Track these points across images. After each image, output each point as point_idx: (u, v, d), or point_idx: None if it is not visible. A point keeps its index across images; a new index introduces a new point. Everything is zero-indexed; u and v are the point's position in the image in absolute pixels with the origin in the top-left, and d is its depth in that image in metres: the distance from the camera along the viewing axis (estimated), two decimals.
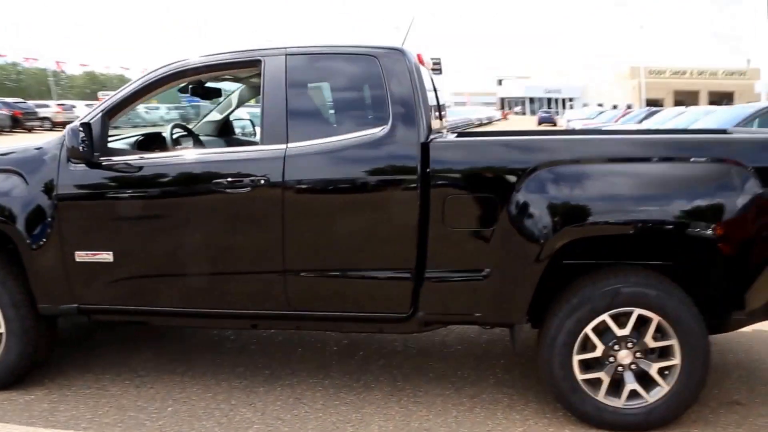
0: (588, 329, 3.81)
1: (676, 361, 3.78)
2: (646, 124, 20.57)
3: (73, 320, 4.76)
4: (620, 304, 3.76)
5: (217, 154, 4.45)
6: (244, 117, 10.04)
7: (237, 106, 5.91)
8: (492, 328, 4.52)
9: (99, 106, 4.31)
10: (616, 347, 3.83)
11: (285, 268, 4.09)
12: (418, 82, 4.11)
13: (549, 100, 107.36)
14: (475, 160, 3.98)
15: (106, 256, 4.22)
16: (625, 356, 3.84)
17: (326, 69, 4.38)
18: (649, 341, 3.80)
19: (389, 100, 4.04)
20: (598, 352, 3.85)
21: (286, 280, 4.11)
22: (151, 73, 4.36)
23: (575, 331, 3.81)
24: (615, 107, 59.36)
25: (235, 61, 4.39)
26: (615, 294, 3.76)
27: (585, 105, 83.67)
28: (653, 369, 3.82)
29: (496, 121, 73.37)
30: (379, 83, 4.10)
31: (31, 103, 44.40)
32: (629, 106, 59.92)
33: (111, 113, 4.30)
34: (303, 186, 4.04)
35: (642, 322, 3.79)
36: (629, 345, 3.83)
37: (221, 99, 5.94)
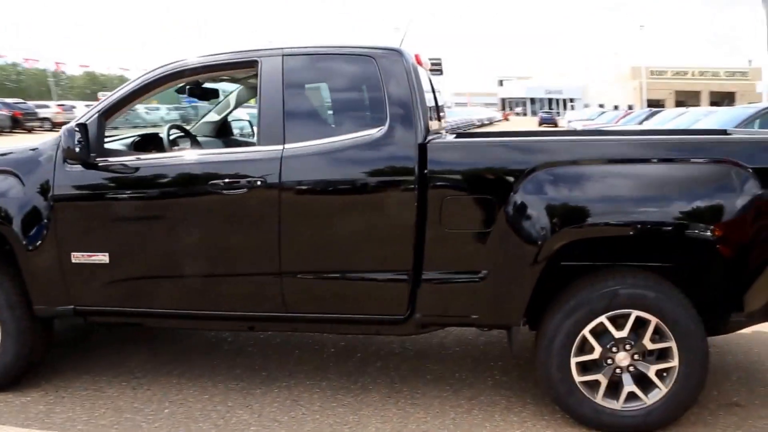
0: (586, 331, 3.79)
1: (674, 363, 3.76)
2: (647, 125, 20.55)
3: (71, 321, 4.74)
4: (618, 305, 3.74)
5: (213, 155, 4.43)
6: (243, 118, 10.04)
7: (235, 107, 5.89)
8: (489, 330, 4.50)
9: (95, 106, 4.30)
10: (614, 349, 3.81)
11: (281, 270, 4.07)
12: (415, 83, 4.09)
13: (550, 100, 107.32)
14: (473, 161, 3.96)
15: (102, 258, 4.20)
16: (623, 358, 3.82)
17: (323, 69, 4.36)
18: (648, 343, 3.78)
19: (387, 101, 4.03)
20: (596, 354, 3.83)
21: (282, 282, 4.09)
22: (147, 73, 4.34)
23: (573, 333, 3.79)
24: (616, 108, 59.44)
25: (232, 62, 4.38)
26: (613, 296, 3.74)
27: (586, 106, 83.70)
28: (651, 371, 3.80)
29: (497, 121, 73.31)
30: (376, 84, 4.08)
31: (31, 103, 44.41)
32: (630, 107, 60.01)
33: (107, 114, 4.28)
34: (300, 187, 4.02)
35: (640, 324, 3.77)
36: (627, 347, 3.80)
37: (220, 100, 5.93)
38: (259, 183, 4.00)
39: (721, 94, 79.22)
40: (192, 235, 4.17)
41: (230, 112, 5.88)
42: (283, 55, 4.18)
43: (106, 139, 4.41)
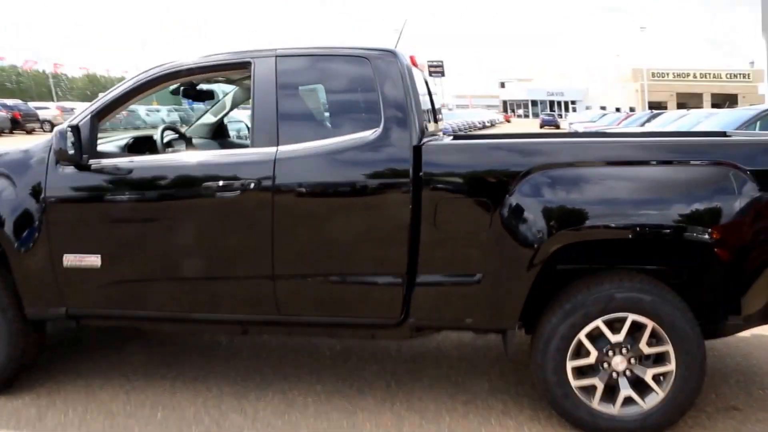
0: (582, 335, 3.75)
1: (671, 367, 3.72)
2: (648, 127, 20.52)
3: (64, 324, 4.71)
4: (614, 309, 3.70)
5: (207, 156, 4.38)
6: (241, 120, 10.01)
7: (231, 109, 5.86)
8: (485, 334, 4.46)
9: (88, 107, 4.26)
10: (611, 353, 3.78)
11: (274, 273, 4.03)
12: (410, 85, 4.05)
13: (551, 102, 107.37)
14: (468, 163, 3.92)
15: (95, 260, 4.16)
16: (619, 362, 3.78)
17: (317, 71, 4.32)
18: (644, 347, 3.74)
19: (381, 103, 3.99)
20: (592, 359, 3.79)
21: (275, 286, 4.06)
22: (141, 74, 4.31)
23: (569, 336, 3.76)
24: (618, 110, 59.42)
25: (225, 63, 4.34)
26: (609, 299, 3.70)
27: (588, 108, 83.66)
28: (648, 375, 3.77)
29: (499, 123, 73.26)
30: (371, 85, 4.03)
31: (31, 104, 44.42)
32: (632, 109, 60.01)
33: (100, 115, 4.25)
34: (293, 189, 3.98)
35: (636, 328, 3.73)
36: (623, 351, 3.77)
37: (215, 101, 5.90)
38: (252, 185, 3.96)
39: (722, 96, 79.16)
40: (185, 238, 4.14)
41: (226, 113, 5.85)
42: (276, 56, 4.15)
43: (100, 141, 4.38)
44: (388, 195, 3.93)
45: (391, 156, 3.91)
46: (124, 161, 4.20)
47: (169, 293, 4.25)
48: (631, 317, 3.70)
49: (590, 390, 3.82)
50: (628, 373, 3.80)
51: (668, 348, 3.71)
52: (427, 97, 4.69)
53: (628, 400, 3.79)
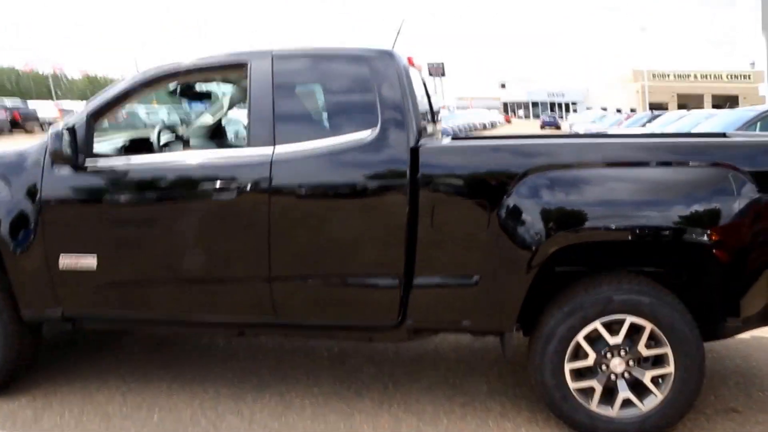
0: (580, 337, 3.73)
1: (669, 369, 3.71)
2: (649, 128, 20.51)
3: (62, 326, 4.69)
4: (612, 311, 3.68)
5: (203, 157, 4.35)
6: (241, 120, 9.97)
7: (228, 109, 5.83)
8: (483, 336, 4.44)
9: (84, 108, 4.24)
10: (609, 355, 3.76)
11: (271, 275, 4.01)
12: (407, 85, 4.03)
13: (552, 103, 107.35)
14: (466, 164, 3.91)
15: (91, 262, 4.14)
16: (617, 364, 3.76)
17: (314, 71, 4.29)
18: (642, 349, 3.72)
19: (378, 104, 3.96)
20: (590, 361, 3.77)
21: (272, 288, 4.04)
22: (137, 75, 4.29)
23: (567, 339, 3.73)
24: (619, 111, 59.39)
25: (222, 64, 4.33)
26: (607, 301, 3.68)
27: (588, 109, 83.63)
28: (647, 377, 3.75)
29: (500, 125, 73.20)
30: (368, 86, 4.01)
31: (30, 105, 44.37)
32: (633, 110, 59.97)
33: (96, 116, 4.23)
34: (290, 190, 3.96)
35: (635, 330, 3.71)
36: (622, 353, 3.75)
37: (215, 102, 5.87)
38: (248, 186, 3.94)
39: (723, 97, 79.11)
40: (181, 239, 4.11)
41: (224, 114, 5.82)
42: (272, 57, 4.13)
43: (98, 141, 4.36)
44: (385, 196, 3.91)
45: (388, 157, 3.89)
46: (120, 162, 4.18)
47: (165, 295, 4.23)
48: (630, 319, 3.68)
49: (588, 392, 3.80)
50: (626, 375, 3.78)
51: (667, 350, 3.69)
52: (425, 98, 4.67)
53: (627, 403, 3.78)
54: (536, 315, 3.90)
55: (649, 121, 24.47)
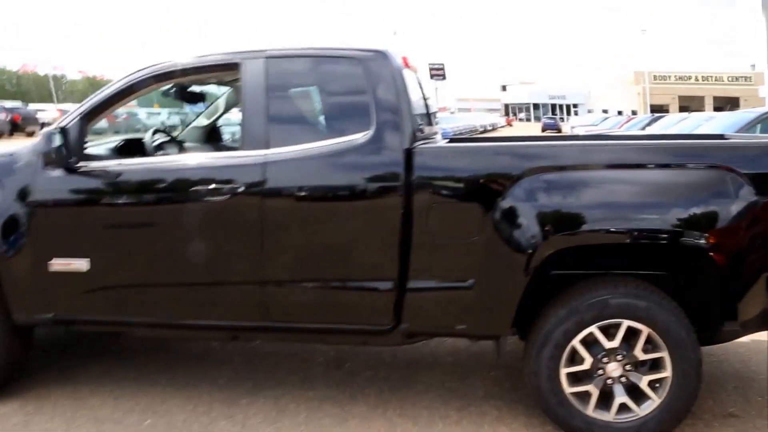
0: (576, 341, 3.69)
1: (667, 373, 3.66)
2: (650, 130, 20.48)
3: (52, 329, 4.66)
4: (609, 315, 3.64)
5: (196, 159, 4.31)
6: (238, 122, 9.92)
7: (224, 111, 5.80)
8: (479, 340, 4.40)
9: (77, 109, 4.21)
10: (605, 360, 3.71)
11: (264, 279, 3.97)
12: (402, 86, 3.98)
13: (553, 106, 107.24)
14: (461, 166, 3.87)
15: (83, 265, 4.10)
16: (614, 369, 3.71)
17: (307, 72, 4.25)
18: (639, 353, 3.68)
19: (372, 105, 3.92)
20: (587, 365, 3.72)
21: (265, 291, 4.00)
22: (129, 76, 4.25)
23: (562, 343, 3.69)
24: (620, 113, 59.33)
25: (215, 64, 4.29)
26: (603, 305, 3.64)
27: (590, 111, 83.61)
28: (643, 382, 3.70)
29: (501, 127, 73.26)
30: (362, 87, 3.97)
31: (30, 107, 44.33)
32: (634, 112, 59.98)
33: (89, 117, 4.19)
34: (283, 193, 3.93)
35: (631, 334, 3.67)
36: (618, 357, 3.70)
37: (212, 103, 5.84)
38: (241, 189, 3.91)
39: (724, 99, 79.08)
40: (174, 242, 4.08)
41: (219, 116, 5.78)
42: (265, 57, 4.09)
43: (91, 143, 4.33)
44: (379, 198, 3.87)
45: (382, 159, 3.86)
46: (112, 164, 4.15)
47: (158, 298, 4.19)
48: (626, 323, 3.64)
49: (585, 397, 3.76)
50: (623, 379, 3.73)
51: (664, 354, 3.65)
52: (421, 99, 4.63)
53: (624, 407, 3.73)
54: (532, 319, 3.86)
55: (649, 123, 24.44)
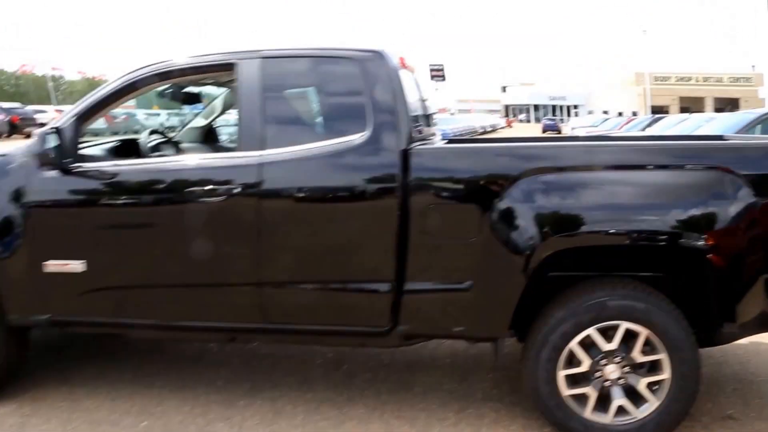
0: (574, 343, 3.67)
1: (665, 375, 3.65)
2: (650, 131, 20.46)
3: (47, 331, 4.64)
4: (607, 317, 3.62)
5: (192, 161, 4.29)
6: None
7: (222, 112, 5.78)
8: (476, 342, 4.38)
9: (72, 109, 4.19)
10: (603, 362, 3.70)
11: (261, 280, 3.96)
12: (399, 87, 3.96)
13: (554, 107, 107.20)
14: (458, 167, 3.85)
15: (78, 266, 4.09)
16: (612, 371, 3.70)
17: (303, 72, 4.22)
18: (638, 355, 3.66)
19: (369, 105, 3.90)
20: (585, 367, 3.71)
21: (262, 293, 3.98)
22: (124, 76, 4.22)
23: (560, 345, 3.67)
24: (620, 114, 59.34)
25: (209, 65, 4.25)
26: (601, 307, 3.62)
27: (590, 112, 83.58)
28: (642, 384, 3.69)
29: (501, 128, 73.20)
30: (358, 87, 3.94)
31: (29, 108, 44.21)
32: (635, 113, 59.97)
33: (84, 117, 4.17)
34: (279, 194, 3.91)
35: (630, 336, 3.65)
36: (617, 359, 3.69)
37: (210, 104, 5.83)
38: (238, 190, 3.88)
39: (725, 100, 79.12)
40: (170, 244, 4.06)
41: (216, 117, 5.77)
42: (261, 58, 4.06)
43: (87, 144, 4.31)
44: (376, 199, 3.84)
45: (379, 160, 3.84)
46: (108, 165, 4.13)
47: (154, 300, 4.17)
48: (624, 325, 3.62)
49: (583, 399, 3.74)
50: (621, 381, 3.72)
51: (662, 356, 3.63)
52: (418, 100, 4.60)
53: (622, 410, 3.72)
54: (531, 321, 3.84)
55: (650, 124, 24.40)
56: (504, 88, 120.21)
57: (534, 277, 3.67)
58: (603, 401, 3.74)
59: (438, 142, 4.66)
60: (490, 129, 63.61)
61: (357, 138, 3.87)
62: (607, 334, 3.66)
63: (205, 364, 5.07)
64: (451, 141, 5.38)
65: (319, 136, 4.03)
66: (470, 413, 4.23)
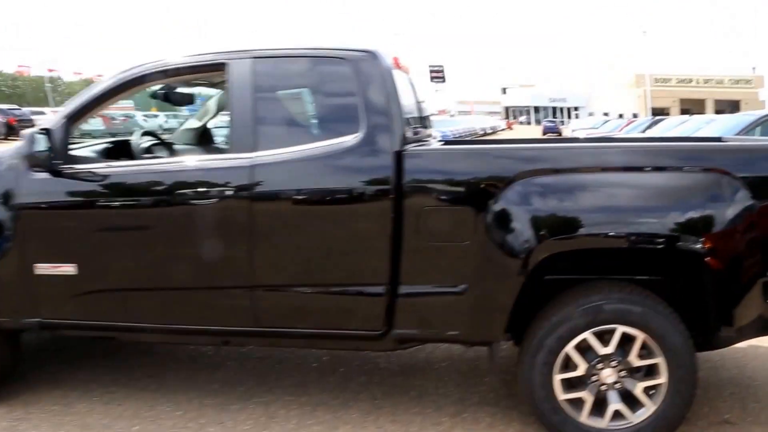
0: (569, 348, 3.62)
1: (662, 379, 3.60)
2: (650, 133, 20.42)
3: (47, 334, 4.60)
4: (603, 321, 3.58)
5: (184, 163, 4.24)
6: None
7: (216, 113, 5.73)
8: (472, 346, 4.34)
9: (62, 110, 4.14)
10: (600, 366, 3.65)
11: (253, 283, 3.91)
12: (392, 87, 3.91)
13: (554, 109, 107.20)
14: (452, 169, 3.79)
15: (69, 269, 4.05)
16: (608, 375, 3.65)
17: (295, 72, 4.16)
18: (634, 359, 3.62)
19: (362, 106, 3.85)
20: (581, 371, 3.66)
21: (254, 296, 3.94)
22: (115, 76, 4.18)
23: (556, 349, 3.63)
24: (621, 116, 59.29)
25: (200, 65, 4.19)
26: (597, 311, 3.57)
27: (590, 114, 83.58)
28: (638, 388, 3.64)
29: (501, 130, 73.17)
30: (351, 88, 3.89)
31: (26, 110, 44.16)
32: (635, 115, 59.90)
33: (74, 118, 4.13)
34: (271, 197, 3.86)
35: (626, 340, 3.60)
36: (613, 363, 3.64)
37: (204, 105, 5.78)
38: (230, 192, 3.84)
39: (726, 102, 79.07)
40: (162, 246, 4.02)
41: (211, 118, 5.71)
42: (252, 58, 4.01)
43: (80, 145, 4.27)
44: (369, 202, 3.80)
45: (372, 162, 3.79)
46: (99, 167, 4.08)
47: (146, 303, 4.13)
48: (621, 329, 3.57)
49: (579, 403, 3.70)
50: (617, 386, 3.67)
51: (659, 360, 3.59)
52: (413, 101, 4.56)
53: (618, 414, 3.67)
54: (526, 324, 3.79)
55: (650, 126, 24.37)
56: (504, 90, 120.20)
57: (530, 280, 3.62)
58: (599, 405, 3.69)
59: (433, 144, 4.61)
60: (490, 131, 63.62)
61: (350, 139, 3.82)
62: (604, 337, 3.62)
63: (198, 368, 5.02)
64: (447, 143, 5.34)
65: (311, 138, 3.98)
66: (466, 417, 4.18)
